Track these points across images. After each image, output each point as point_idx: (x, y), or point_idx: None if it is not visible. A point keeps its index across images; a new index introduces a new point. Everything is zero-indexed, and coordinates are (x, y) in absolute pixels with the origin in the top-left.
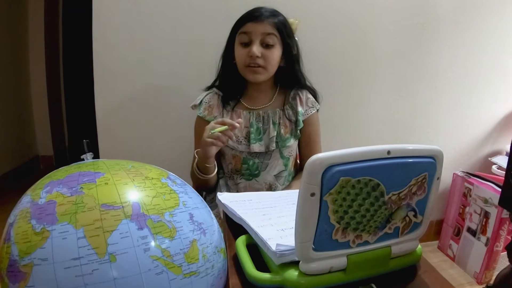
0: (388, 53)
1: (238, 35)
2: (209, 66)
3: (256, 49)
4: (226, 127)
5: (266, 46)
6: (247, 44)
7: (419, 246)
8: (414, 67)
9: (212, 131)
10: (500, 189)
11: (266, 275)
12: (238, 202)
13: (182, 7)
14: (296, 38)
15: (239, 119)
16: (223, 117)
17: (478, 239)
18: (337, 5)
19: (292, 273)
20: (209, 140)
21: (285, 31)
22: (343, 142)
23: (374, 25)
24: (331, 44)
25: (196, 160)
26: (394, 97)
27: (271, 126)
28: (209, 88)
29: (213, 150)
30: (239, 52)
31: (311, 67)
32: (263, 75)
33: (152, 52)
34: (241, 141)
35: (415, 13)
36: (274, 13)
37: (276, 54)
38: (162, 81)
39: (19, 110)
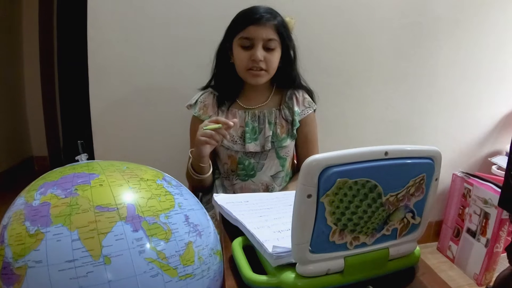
0: (386, 52)
1: (239, 39)
2: (204, 65)
3: (260, 53)
4: (219, 125)
5: (268, 49)
6: (248, 47)
7: (417, 247)
8: (412, 67)
9: (205, 128)
10: (500, 190)
11: (262, 278)
12: (235, 204)
13: (178, 6)
14: (293, 37)
15: (234, 119)
16: (218, 116)
17: (478, 240)
18: (336, 3)
19: (289, 275)
20: (203, 138)
21: (285, 33)
22: (340, 143)
23: (373, 24)
24: (328, 43)
25: (190, 160)
26: (393, 96)
27: (267, 125)
28: (204, 88)
29: (207, 149)
30: (240, 56)
31: (309, 66)
32: (264, 78)
33: (147, 51)
34: (236, 141)
35: (414, 12)
36: (273, 14)
37: (276, 56)
38: (157, 81)
39: (13, 110)
